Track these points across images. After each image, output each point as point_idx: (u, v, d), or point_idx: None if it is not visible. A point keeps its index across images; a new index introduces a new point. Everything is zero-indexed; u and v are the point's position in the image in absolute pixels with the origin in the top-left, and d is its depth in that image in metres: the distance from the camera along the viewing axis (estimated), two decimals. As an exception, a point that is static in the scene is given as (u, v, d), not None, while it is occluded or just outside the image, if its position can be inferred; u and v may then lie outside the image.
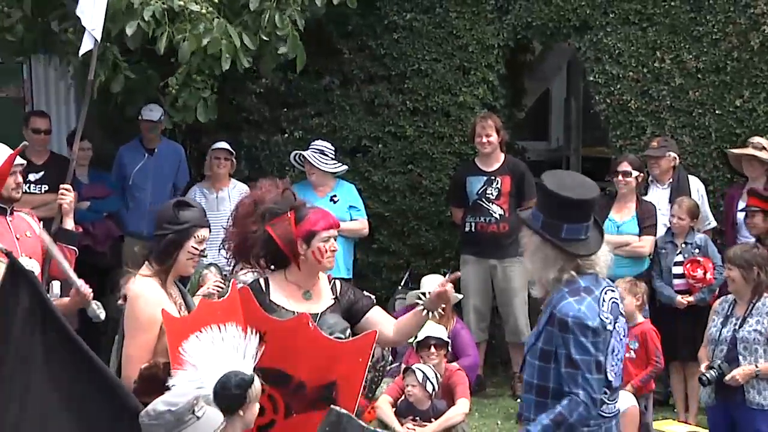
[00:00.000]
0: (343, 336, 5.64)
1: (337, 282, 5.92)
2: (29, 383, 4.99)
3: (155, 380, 4.98)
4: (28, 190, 9.42)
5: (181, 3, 8.49)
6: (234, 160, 9.87)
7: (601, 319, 5.00)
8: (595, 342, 4.96)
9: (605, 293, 5.08)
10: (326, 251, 5.72)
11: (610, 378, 5.10)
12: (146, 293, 5.35)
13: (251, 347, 4.74)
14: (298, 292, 5.75)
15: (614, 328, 5.10)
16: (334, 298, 5.82)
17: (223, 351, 4.70)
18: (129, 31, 8.40)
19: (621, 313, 5.20)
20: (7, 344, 5.04)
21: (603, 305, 5.04)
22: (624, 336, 5.25)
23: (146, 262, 5.50)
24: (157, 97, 9.95)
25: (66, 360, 5.01)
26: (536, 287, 5.22)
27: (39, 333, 5.02)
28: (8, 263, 5.17)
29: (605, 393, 5.08)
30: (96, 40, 7.54)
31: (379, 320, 5.85)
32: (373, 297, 6.18)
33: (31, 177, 9.51)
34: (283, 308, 5.67)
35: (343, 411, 5.23)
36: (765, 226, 8.70)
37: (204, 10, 8.54)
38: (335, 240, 5.80)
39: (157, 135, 10.38)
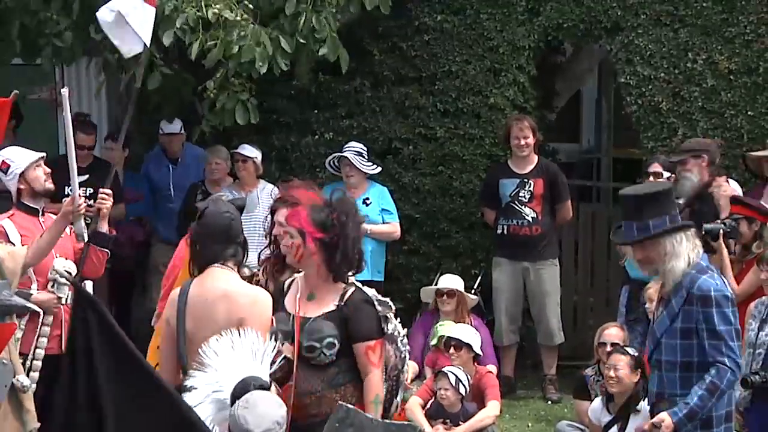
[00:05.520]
0: (317, 344, 5.47)
1: (357, 291, 5.64)
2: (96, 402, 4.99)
3: None
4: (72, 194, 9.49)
5: (216, 11, 8.58)
6: (256, 162, 9.77)
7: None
8: (734, 311, 5.63)
9: None
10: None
11: None
12: (262, 296, 5.55)
13: (269, 353, 4.72)
14: (306, 293, 5.66)
15: None
16: (336, 305, 5.59)
17: (242, 355, 4.68)
18: (166, 40, 8.61)
19: None
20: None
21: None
22: None
23: (223, 265, 5.58)
24: (193, 101, 9.98)
25: (129, 379, 4.98)
26: (669, 280, 5.71)
27: (105, 357, 5.02)
28: (74, 289, 5.19)
29: None
30: (145, 44, 7.52)
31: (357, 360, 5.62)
32: (393, 324, 5.70)
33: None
34: (286, 311, 5.62)
35: (351, 407, 5.19)
36: (750, 232, 8.54)
37: (239, 17, 8.61)
38: (289, 236, 5.60)
39: (179, 147, 10.41)
